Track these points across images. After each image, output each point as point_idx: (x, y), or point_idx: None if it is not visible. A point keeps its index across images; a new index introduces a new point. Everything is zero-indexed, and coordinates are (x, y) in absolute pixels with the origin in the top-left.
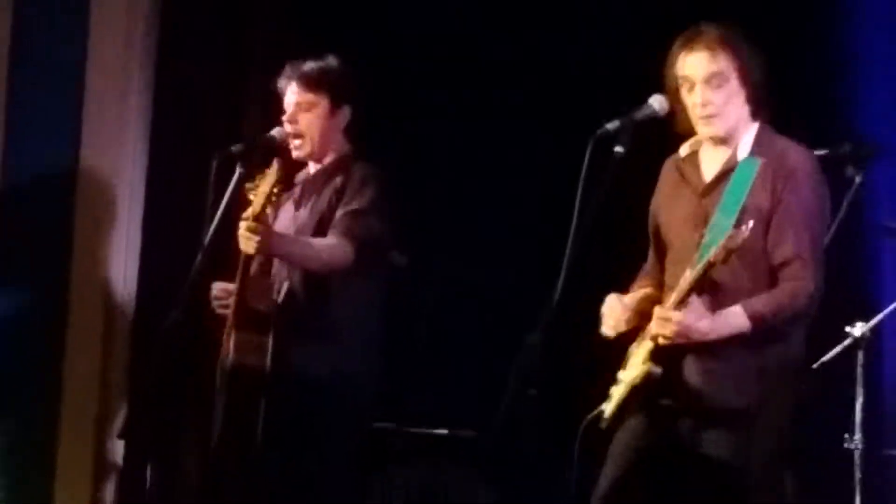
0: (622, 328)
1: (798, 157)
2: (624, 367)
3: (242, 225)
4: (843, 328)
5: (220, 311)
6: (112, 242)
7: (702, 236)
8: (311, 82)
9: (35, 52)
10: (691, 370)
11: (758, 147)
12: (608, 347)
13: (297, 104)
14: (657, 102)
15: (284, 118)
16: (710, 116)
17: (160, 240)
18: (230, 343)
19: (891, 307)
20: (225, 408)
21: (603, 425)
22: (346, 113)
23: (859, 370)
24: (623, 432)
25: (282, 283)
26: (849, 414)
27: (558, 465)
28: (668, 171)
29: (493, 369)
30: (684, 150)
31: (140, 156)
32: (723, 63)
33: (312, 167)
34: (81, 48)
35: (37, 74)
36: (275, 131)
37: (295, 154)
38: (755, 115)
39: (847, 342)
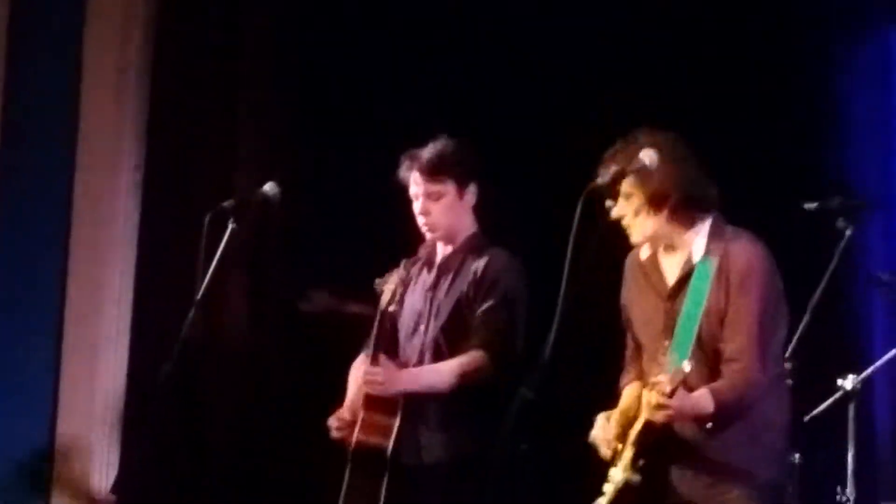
0: (616, 447)
1: (747, 255)
2: (615, 464)
3: (367, 370)
4: (834, 381)
5: (335, 435)
6: (104, 297)
7: (669, 344)
8: (434, 171)
9: (26, 106)
10: (685, 478)
11: (710, 245)
12: (599, 400)
13: (426, 195)
14: (647, 157)
15: (417, 212)
16: (625, 227)
17: (152, 295)
18: (358, 422)
19: (882, 360)
20: (347, 486)
21: None
22: (472, 191)
23: (851, 423)
24: None
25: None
26: (841, 466)
27: None
28: (631, 268)
29: None
30: (644, 252)
31: (132, 211)
32: (630, 181)
33: (443, 247)
34: (73, 103)
35: (28, 127)
36: (267, 187)
37: (429, 239)
38: (692, 207)
39: (838, 395)
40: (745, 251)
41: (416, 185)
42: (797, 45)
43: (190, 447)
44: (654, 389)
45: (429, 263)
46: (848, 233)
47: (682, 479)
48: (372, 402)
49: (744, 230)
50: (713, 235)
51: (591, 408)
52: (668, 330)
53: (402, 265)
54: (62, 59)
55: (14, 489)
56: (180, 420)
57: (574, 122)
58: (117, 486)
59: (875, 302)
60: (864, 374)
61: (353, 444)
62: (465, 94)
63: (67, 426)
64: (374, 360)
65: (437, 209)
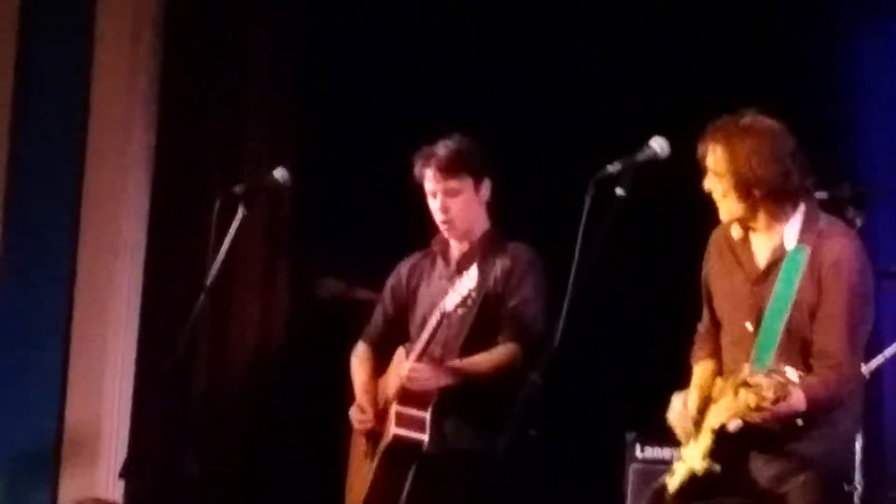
0: (693, 431)
1: (841, 248)
2: (685, 443)
3: (413, 367)
4: None
5: (358, 426)
6: (114, 282)
7: (756, 331)
8: (450, 167)
9: (38, 96)
10: (756, 466)
11: (804, 234)
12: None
13: (445, 192)
14: (658, 144)
15: (435, 208)
16: (716, 202)
17: (162, 280)
18: (391, 414)
19: (890, 350)
20: (375, 476)
21: (667, 499)
22: (487, 186)
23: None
24: None
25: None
26: None
27: None
28: (718, 243)
29: None
30: (736, 230)
31: (142, 197)
32: (718, 159)
33: (458, 244)
34: (84, 92)
35: (40, 116)
36: (277, 172)
37: (446, 235)
38: (782, 198)
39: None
40: (840, 244)
41: (432, 182)
42: (808, 35)
43: (198, 433)
44: (751, 391)
45: (444, 258)
46: (858, 223)
47: (756, 465)
48: (407, 395)
49: (838, 220)
50: (806, 223)
51: (601, 393)
52: (753, 313)
53: (414, 256)
54: (72, 53)
55: (23, 477)
56: (189, 407)
57: (584, 116)
58: (125, 470)
59: (884, 293)
60: (872, 365)
61: (388, 437)
62: (475, 85)
63: (76, 414)
64: (420, 357)
65: (456, 205)
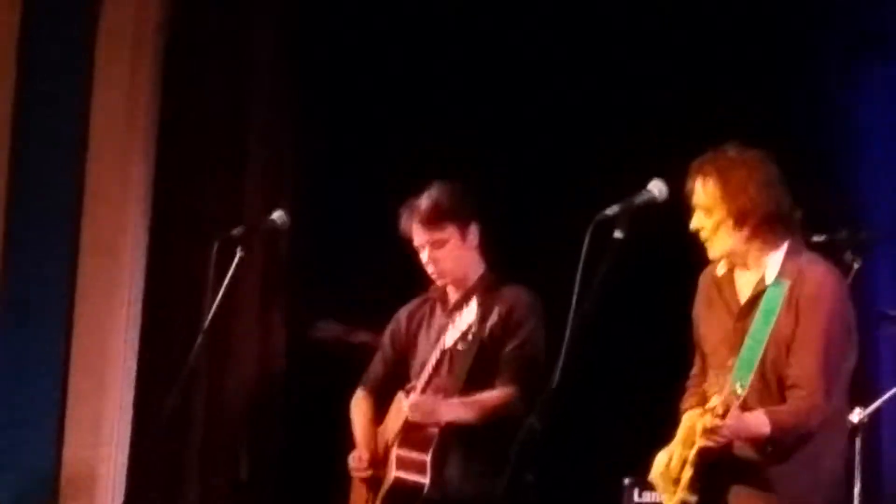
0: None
1: (821, 280)
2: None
3: (415, 399)
4: None
5: (356, 474)
6: (113, 321)
7: (732, 364)
8: (433, 220)
9: (36, 136)
10: (738, 500)
11: (785, 267)
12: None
13: (431, 244)
14: (656, 188)
15: (423, 261)
16: (704, 240)
17: (160, 321)
18: (391, 457)
19: (889, 394)
20: None
21: None
22: (474, 231)
23: (857, 456)
24: None
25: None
26: (848, 500)
27: None
28: (705, 283)
29: None
30: (721, 268)
31: (141, 238)
32: (710, 191)
33: (454, 291)
34: (83, 127)
35: (38, 156)
36: (275, 215)
37: (440, 284)
38: (774, 227)
39: (848, 429)
40: (819, 277)
41: (418, 235)
42: (807, 74)
43: (198, 474)
44: (705, 413)
45: (442, 304)
46: (856, 266)
47: (737, 500)
48: (407, 439)
49: (822, 256)
50: (789, 257)
51: (598, 437)
52: (735, 349)
53: (413, 303)
54: (72, 87)
55: None
56: (187, 448)
57: (580, 154)
58: None
59: (882, 336)
60: (871, 408)
61: (390, 481)
62: (477, 126)
63: (75, 453)
64: (424, 390)
65: (443, 255)
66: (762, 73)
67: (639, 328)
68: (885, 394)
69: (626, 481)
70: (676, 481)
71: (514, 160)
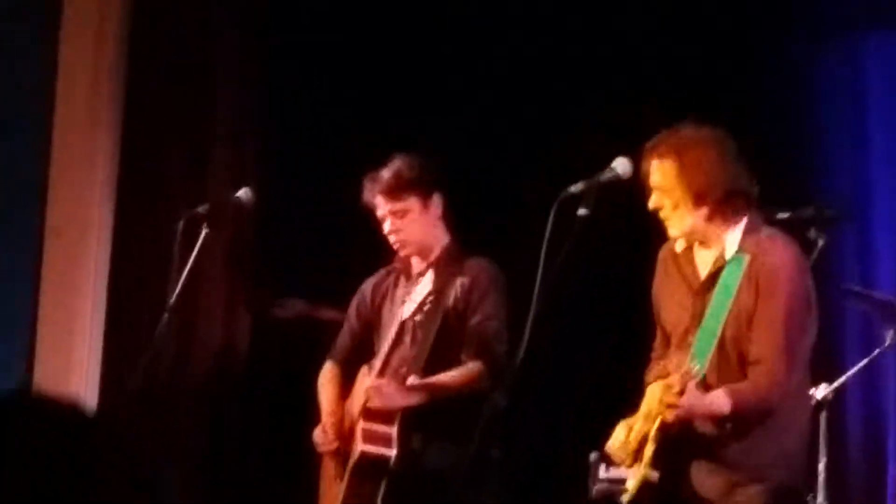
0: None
1: (781, 254)
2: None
3: (374, 383)
4: None
5: (321, 448)
6: (78, 301)
7: (692, 341)
8: (394, 190)
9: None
10: (699, 475)
11: (744, 242)
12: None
13: (392, 214)
14: (621, 166)
15: (386, 232)
16: (663, 219)
17: (126, 299)
18: (357, 431)
19: (854, 369)
20: (345, 495)
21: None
22: (437, 201)
23: (822, 432)
24: None
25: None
26: (812, 476)
27: None
28: (665, 260)
29: None
30: (680, 244)
31: (106, 216)
32: (667, 172)
33: (419, 262)
34: (48, 107)
35: (1, 135)
36: (241, 192)
37: (403, 255)
38: (732, 203)
39: (811, 404)
40: (778, 251)
41: (380, 206)
42: (770, 53)
43: (161, 454)
44: (661, 385)
45: (406, 275)
46: (820, 243)
47: (699, 475)
48: (372, 412)
49: (780, 231)
50: (748, 233)
51: (564, 413)
52: (695, 325)
53: (378, 275)
54: (35, 66)
55: None
56: (151, 428)
57: (547, 130)
58: None
59: (847, 312)
60: (835, 384)
61: (356, 455)
62: (442, 101)
63: None
64: (382, 372)
65: (404, 225)
66: (727, 50)
67: (604, 304)
68: (849, 369)
69: (593, 456)
70: (636, 453)
71: (481, 135)
